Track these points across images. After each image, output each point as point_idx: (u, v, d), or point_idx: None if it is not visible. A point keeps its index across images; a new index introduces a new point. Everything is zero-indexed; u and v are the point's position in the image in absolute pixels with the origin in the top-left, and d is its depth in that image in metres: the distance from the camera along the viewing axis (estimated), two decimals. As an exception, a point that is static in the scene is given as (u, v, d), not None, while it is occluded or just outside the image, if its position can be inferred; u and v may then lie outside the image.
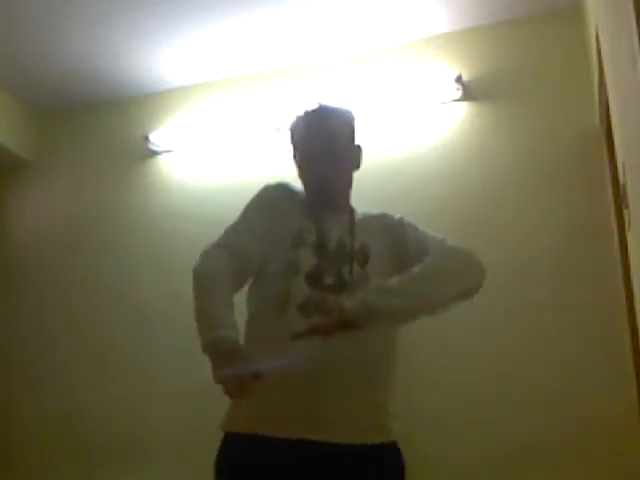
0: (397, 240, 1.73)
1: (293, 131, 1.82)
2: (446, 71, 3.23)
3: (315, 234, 1.66)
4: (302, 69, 3.53)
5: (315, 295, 1.57)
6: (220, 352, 1.46)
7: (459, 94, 3.21)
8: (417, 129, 3.27)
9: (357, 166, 1.83)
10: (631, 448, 2.57)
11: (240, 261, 1.62)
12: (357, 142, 1.84)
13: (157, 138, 3.63)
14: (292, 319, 1.54)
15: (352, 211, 1.81)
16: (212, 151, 3.59)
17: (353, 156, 1.81)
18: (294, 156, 1.85)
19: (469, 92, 3.22)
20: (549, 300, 2.87)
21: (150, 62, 3.52)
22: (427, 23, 3.27)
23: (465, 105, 3.24)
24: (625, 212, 2.10)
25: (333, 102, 1.83)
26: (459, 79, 3.17)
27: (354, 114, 1.85)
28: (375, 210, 1.85)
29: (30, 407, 3.49)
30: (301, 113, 1.79)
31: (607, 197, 2.83)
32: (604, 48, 2.17)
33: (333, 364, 1.52)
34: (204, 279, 1.59)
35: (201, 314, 1.54)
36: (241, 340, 1.59)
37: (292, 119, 1.82)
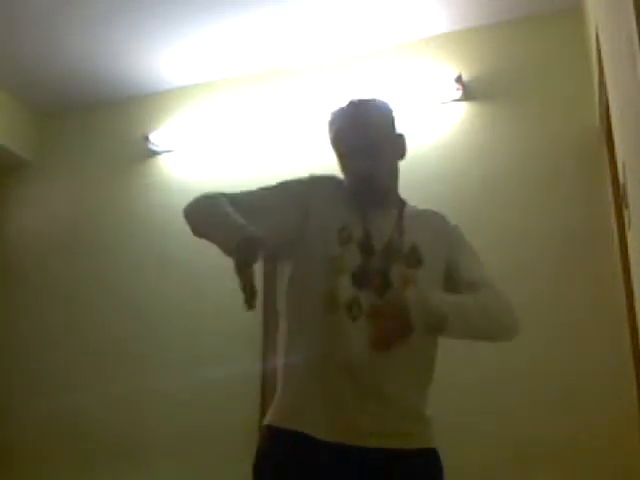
0: (451, 255, 1.65)
1: (329, 128, 1.70)
2: (446, 71, 3.23)
3: (361, 231, 1.57)
4: (302, 69, 3.53)
5: (360, 296, 1.50)
6: (247, 243, 1.38)
7: (459, 94, 3.21)
8: (417, 129, 3.27)
9: (401, 155, 1.71)
10: (631, 448, 2.57)
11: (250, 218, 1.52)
12: (399, 131, 1.72)
13: (157, 138, 3.63)
14: (339, 320, 1.49)
15: (403, 204, 1.71)
16: (212, 151, 3.59)
17: (395, 145, 1.69)
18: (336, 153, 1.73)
19: (469, 92, 3.22)
20: (549, 300, 2.87)
21: (150, 62, 3.53)
22: (427, 23, 3.27)
23: (465, 105, 3.24)
24: (625, 212, 2.10)
25: (369, 95, 1.73)
26: (459, 79, 3.17)
27: (390, 105, 1.71)
28: (426, 207, 1.77)
29: (30, 407, 3.49)
30: (336, 109, 1.68)
31: (607, 197, 2.83)
32: (604, 48, 2.17)
33: (376, 369, 1.47)
34: (206, 205, 1.63)
35: (220, 224, 1.51)
36: (281, 349, 1.58)
37: (329, 116, 1.70)
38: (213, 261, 3.37)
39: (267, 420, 1.54)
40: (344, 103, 1.68)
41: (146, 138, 3.63)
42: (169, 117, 3.70)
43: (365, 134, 1.62)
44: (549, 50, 3.18)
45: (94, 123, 3.88)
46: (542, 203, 3.00)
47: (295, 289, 1.57)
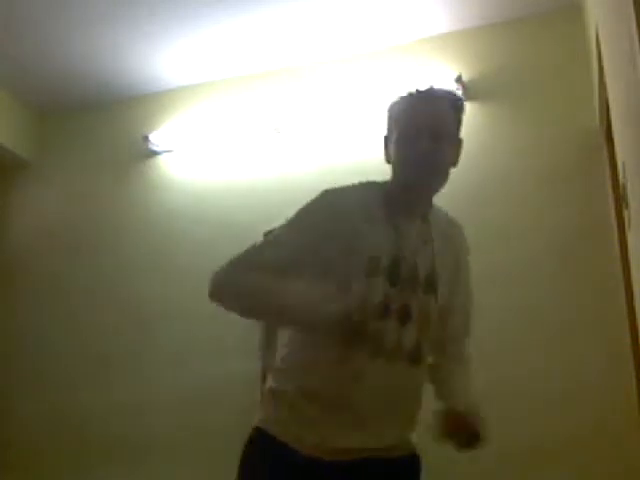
0: (455, 285, 1.59)
1: (393, 109, 1.60)
2: (446, 71, 3.23)
3: (390, 256, 1.47)
4: (302, 69, 3.53)
5: (384, 328, 1.45)
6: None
7: (459, 94, 3.21)
8: (417, 129, 3.27)
9: (455, 162, 1.62)
10: (631, 448, 2.57)
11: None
12: (461, 135, 1.65)
13: (157, 138, 3.63)
14: (360, 357, 1.44)
15: (429, 210, 1.60)
16: (212, 151, 3.59)
17: (455, 147, 1.62)
18: (387, 138, 1.60)
19: (469, 92, 3.22)
20: (549, 300, 2.87)
21: (150, 62, 3.52)
22: (427, 23, 3.27)
23: (465, 105, 3.24)
24: (625, 212, 2.10)
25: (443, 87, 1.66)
26: (459, 79, 3.17)
27: (464, 103, 1.65)
28: (447, 213, 1.67)
29: (30, 407, 3.49)
30: (406, 93, 1.59)
31: (607, 197, 2.83)
32: (604, 48, 2.17)
33: (383, 394, 1.48)
34: (244, 285, 1.45)
35: (285, 303, 1.40)
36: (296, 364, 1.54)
37: (393, 99, 1.60)
38: (213, 261, 3.38)
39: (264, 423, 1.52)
40: (417, 89, 1.59)
41: (146, 138, 3.63)
42: (169, 117, 3.70)
43: (436, 124, 1.54)
44: (549, 50, 3.17)
45: (94, 123, 3.87)
46: (542, 203, 2.99)
47: None
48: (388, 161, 1.59)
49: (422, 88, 1.60)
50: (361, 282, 1.43)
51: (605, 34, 2.10)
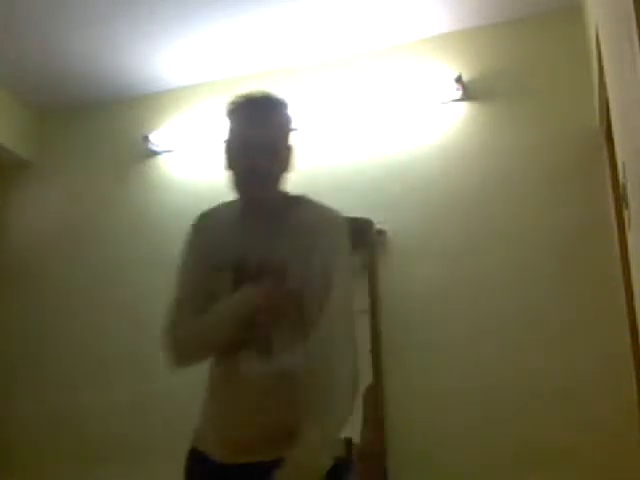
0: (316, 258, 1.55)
1: (228, 117, 1.64)
2: (446, 71, 3.23)
3: (238, 260, 1.63)
4: (302, 69, 3.53)
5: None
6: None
7: (459, 94, 3.21)
8: (417, 129, 3.27)
9: (288, 168, 1.63)
10: (631, 448, 2.57)
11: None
12: (290, 142, 1.63)
13: (157, 138, 3.63)
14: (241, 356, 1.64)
15: (286, 211, 1.63)
16: (212, 151, 3.59)
17: (286, 154, 1.62)
18: (227, 144, 1.65)
19: (469, 92, 3.22)
20: (549, 300, 2.87)
21: (150, 62, 3.52)
22: (427, 23, 3.27)
23: (465, 105, 3.24)
24: (625, 212, 2.10)
25: (274, 92, 1.66)
26: (459, 79, 3.17)
27: (289, 110, 1.65)
28: (322, 205, 1.64)
29: (30, 407, 3.49)
30: (239, 99, 1.62)
31: (607, 197, 2.83)
32: (604, 48, 2.18)
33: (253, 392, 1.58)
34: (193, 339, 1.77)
35: (220, 321, 1.69)
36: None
37: (229, 105, 1.63)
38: (213, 261, 3.38)
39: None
40: (248, 96, 1.62)
41: (146, 138, 3.63)
42: (169, 117, 3.70)
43: (267, 134, 1.57)
44: (549, 50, 3.17)
45: (94, 123, 3.87)
46: (542, 203, 3.00)
47: None
48: (226, 168, 1.66)
49: (255, 96, 1.63)
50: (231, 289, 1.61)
51: (605, 34, 2.10)
